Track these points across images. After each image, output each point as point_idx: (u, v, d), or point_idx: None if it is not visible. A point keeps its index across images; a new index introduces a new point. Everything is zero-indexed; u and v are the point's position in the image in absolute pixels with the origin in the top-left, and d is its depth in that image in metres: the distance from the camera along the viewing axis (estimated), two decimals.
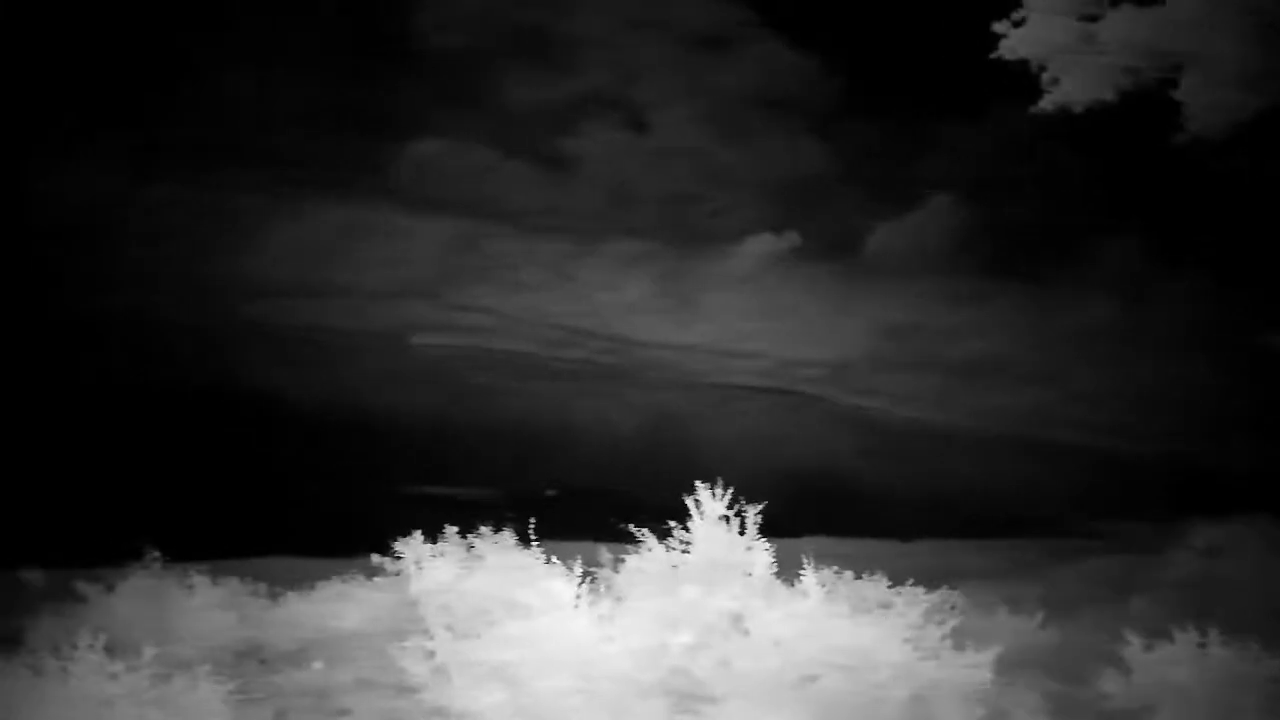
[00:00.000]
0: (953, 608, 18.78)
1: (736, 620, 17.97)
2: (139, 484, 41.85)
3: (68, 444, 48.16)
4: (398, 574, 19.29)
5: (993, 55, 30.37)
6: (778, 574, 19.41)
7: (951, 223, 73.42)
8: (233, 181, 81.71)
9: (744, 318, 72.12)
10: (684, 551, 19.78)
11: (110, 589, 18.82)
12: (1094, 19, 29.92)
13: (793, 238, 74.23)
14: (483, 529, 18.93)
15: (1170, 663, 18.67)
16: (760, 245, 74.03)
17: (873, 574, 19.70)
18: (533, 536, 18.62)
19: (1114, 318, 63.23)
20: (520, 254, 77.21)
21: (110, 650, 15.50)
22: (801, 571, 18.09)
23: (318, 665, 18.41)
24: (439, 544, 18.87)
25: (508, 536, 18.79)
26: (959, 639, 17.98)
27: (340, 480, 44.77)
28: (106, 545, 22.03)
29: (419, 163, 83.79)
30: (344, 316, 73.21)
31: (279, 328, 71.97)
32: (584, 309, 74.17)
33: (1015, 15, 29.97)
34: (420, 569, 18.65)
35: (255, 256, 77.82)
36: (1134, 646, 18.37)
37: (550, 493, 44.43)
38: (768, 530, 20.06)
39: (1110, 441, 54.78)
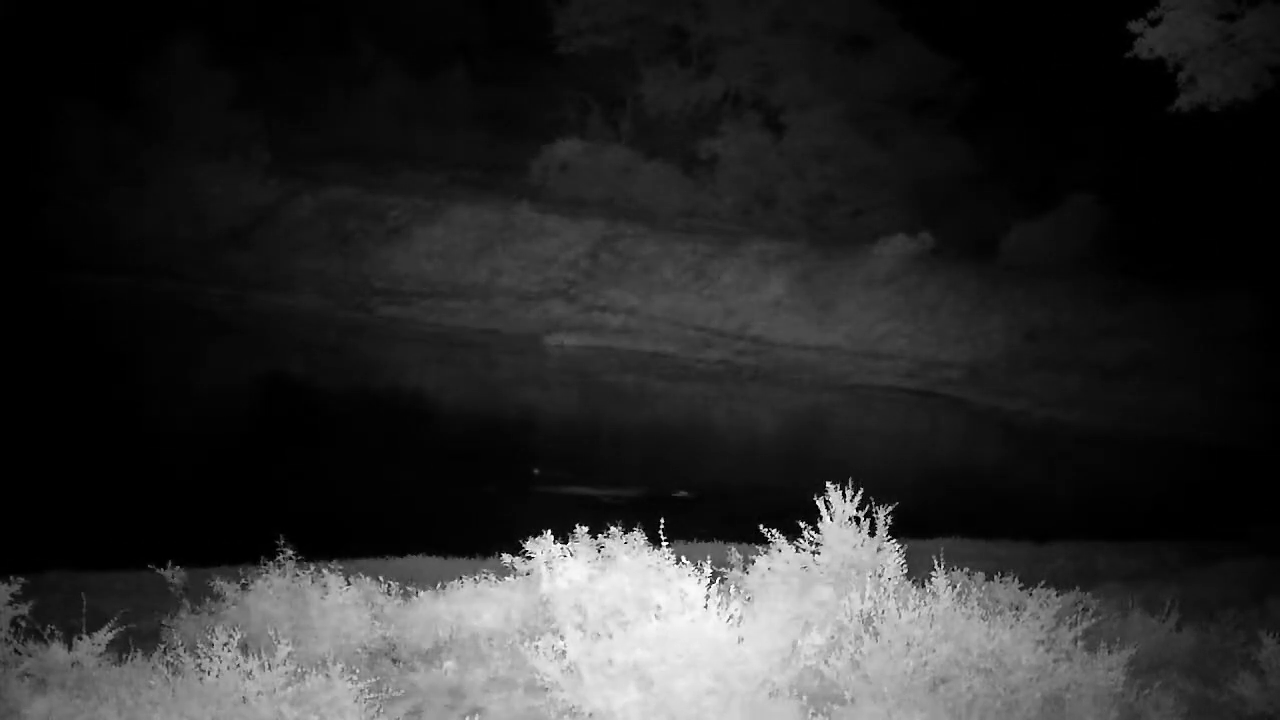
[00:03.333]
0: (1085, 609, 18.58)
1: (868, 621, 17.92)
2: (275, 482, 42.38)
3: (204, 443, 48.89)
4: (528, 574, 19.38)
5: (1128, 54, 29.89)
6: (909, 575, 19.35)
7: (1091, 223, 72.99)
8: (378, 184, 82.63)
9: (883, 319, 71.92)
10: (813, 553, 19.77)
11: (246, 587, 19.03)
12: (1233, 18, 29.29)
13: (932, 238, 74.05)
14: (613, 529, 18.98)
15: None
16: (900, 246, 73.83)
17: (1006, 575, 19.59)
18: (663, 537, 18.64)
19: (1256, 318, 62.55)
20: (659, 255, 77.36)
21: (246, 648, 15.70)
22: (933, 573, 18.00)
23: (450, 664, 18.53)
24: (569, 544, 18.95)
25: (638, 536, 18.81)
26: (1093, 641, 17.80)
27: (475, 479, 45.06)
28: (243, 544, 22.34)
29: (559, 164, 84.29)
30: (483, 316, 73.69)
31: (419, 327, 72.60)
32: (723, 310, 74.22)
33: (1152, 14, 29.40)
34: (551, 569, 18.75)
35: (396, 257, 78.56)
36: (1271, 650, 18.10)
37: (680, 493, 44.46)
38: (904, 531, 20.03)
39: (1252, 442, 54.20)
